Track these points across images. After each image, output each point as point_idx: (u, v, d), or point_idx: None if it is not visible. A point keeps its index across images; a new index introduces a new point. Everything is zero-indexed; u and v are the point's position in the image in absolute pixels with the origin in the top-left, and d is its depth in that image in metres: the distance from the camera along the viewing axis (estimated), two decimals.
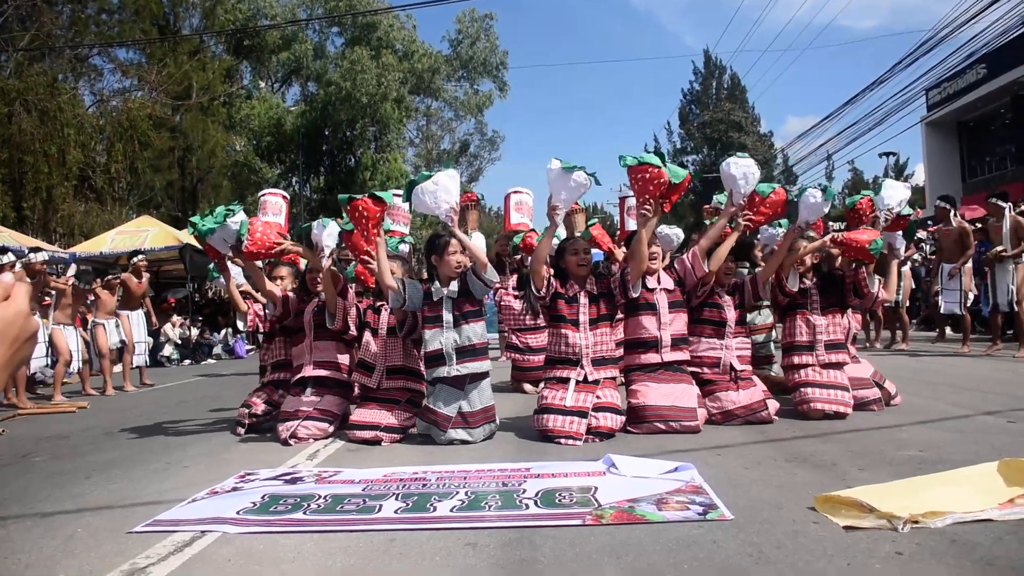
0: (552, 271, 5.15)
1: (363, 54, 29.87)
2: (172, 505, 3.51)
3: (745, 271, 6.13)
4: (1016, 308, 9.30)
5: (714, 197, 7.14)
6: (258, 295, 6.05)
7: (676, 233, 6.59)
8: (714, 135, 40.54)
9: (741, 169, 5.32)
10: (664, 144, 44.62)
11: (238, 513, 3.26)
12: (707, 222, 6.68)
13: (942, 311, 10.68)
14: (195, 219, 5.47)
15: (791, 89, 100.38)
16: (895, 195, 5.60)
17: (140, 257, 11.02)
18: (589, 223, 7.31)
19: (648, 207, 4.88)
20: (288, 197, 6.47)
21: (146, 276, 11.00)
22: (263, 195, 6.36)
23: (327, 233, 5.34)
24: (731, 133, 39.73)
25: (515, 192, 7.95)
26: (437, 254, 5.09)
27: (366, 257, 5.36)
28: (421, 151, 39.10)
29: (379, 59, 30.19)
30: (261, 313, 5.93)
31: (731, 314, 5.40)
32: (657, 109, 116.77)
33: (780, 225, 6.12)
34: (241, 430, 5.63)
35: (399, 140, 34.53)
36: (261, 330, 6.10)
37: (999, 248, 9.44)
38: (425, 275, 5.87)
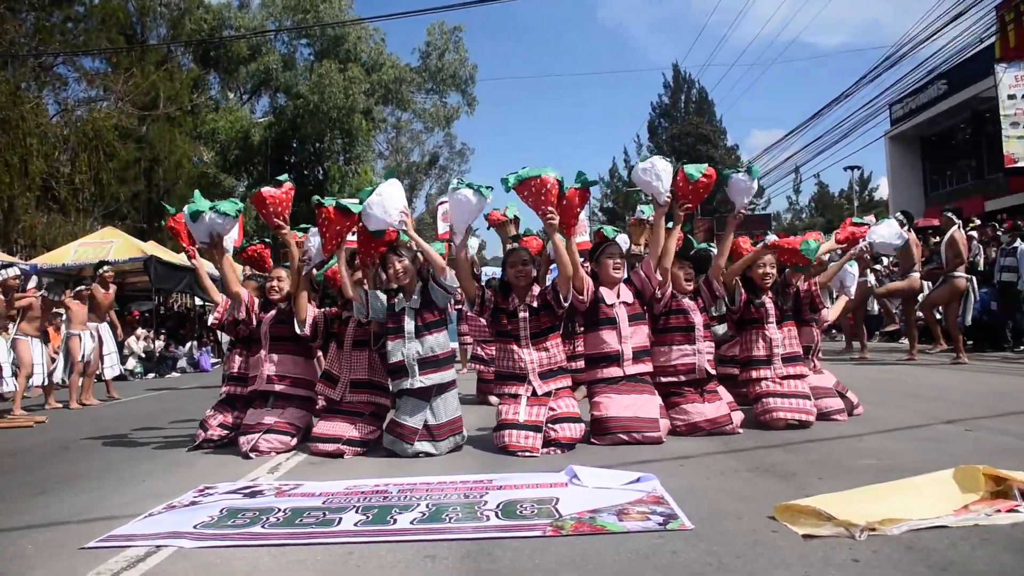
0: (483, 287, 5.18)
1: (331, 67, 29.78)
2: (128, 520, 3.45)
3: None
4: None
5: (637, 209, 7.12)
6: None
7: (623, 239, 6.57)
8: (682, 148, 40.86)
9: (651, 167, 5.28)
10: (633, 157, 44.90)
11: (195, 527, 3.21)
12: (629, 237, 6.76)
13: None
14: (197, 198, 5.44)
15: (757, 103, 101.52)
16: (885, 234, 5.73)
17: (107, 268, 10.85)
18: (522, 234, 7.17)
19: (551, 216, 4.84)
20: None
21: (112, 287, 10.85)
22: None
23: (315, 245, 5.31)
24: (699, 146, 40.06)
25: (443, 203, 7.79)
26: (384, 268, 5.08)
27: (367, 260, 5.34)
28: (391, 163, 39.07)
29: (346, 72, 30.10)
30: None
31: (698, 318, 5.40)
32: (627, 122, 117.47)
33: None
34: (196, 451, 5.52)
35: (368, 152, 34.43)
36: (227, 328, 6.00)
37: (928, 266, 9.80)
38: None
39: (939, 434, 4.86)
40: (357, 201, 5.17)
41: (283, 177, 5.50)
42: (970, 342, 10.61)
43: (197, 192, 5.53)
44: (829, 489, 3.33)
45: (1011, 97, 17.01)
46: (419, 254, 5.05)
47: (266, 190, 5.29)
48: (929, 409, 5.88)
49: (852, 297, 6.49)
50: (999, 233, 12.85)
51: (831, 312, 6.04)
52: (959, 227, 10.15)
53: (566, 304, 5.06)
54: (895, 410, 5.91)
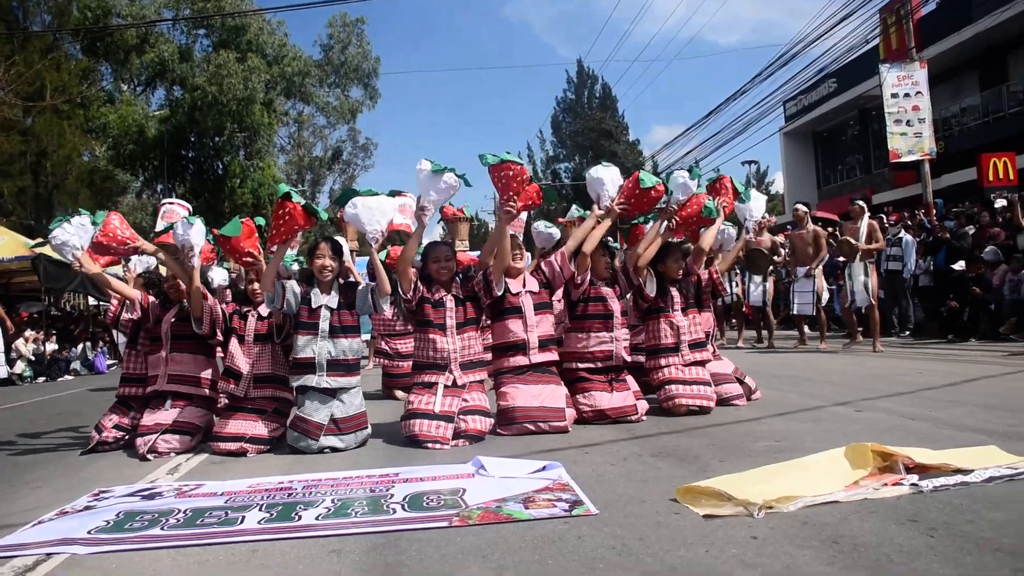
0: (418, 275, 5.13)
1: (229, 57, 28.96)
2: (15, 529, 3.29)
3: None
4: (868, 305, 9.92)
5: (571, 210, 7.19)
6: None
7: (553, 232, 6.62)
8: (585, 143, 41.37)
9: (608, 174, 5.46)
10: (537, 151, 45.25)
11: (89, 533, 3.09)
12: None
13: (795, 312, 11.24)
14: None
15: (658, 99, 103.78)
16: (759, 205, 5.90)
17: None
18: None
19: (511, 204, 4.90)
20: (191, 208, 6.16)
21: None
22: (166, 203, 6.20)
23: (195, 231, 5.07)
24: (602, 141, 40.59)
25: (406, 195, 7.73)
26: (309, 256, 4.99)
27: (248, 259, 5.22)
28: (293, 158, 38.28)
29: (245, 62, 29.34)
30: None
31: (616, 305, 5.47)
32: (532, 118, 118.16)
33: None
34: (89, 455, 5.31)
35: (269, 147, 33.66)
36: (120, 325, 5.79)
37: (855, 242, 9.98)
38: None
39: (831, 415, 5.08)
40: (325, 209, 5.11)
41: (99, 215, 5.26)
42: (860, 328, 11.07)
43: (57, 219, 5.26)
44: (729, 471, 3.44)
45: (894, 96, 17.79)
46: (345, 261, 5.00)
47: (97, 239, 5.12)
48: (822, 392, 6.14)
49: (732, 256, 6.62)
50: (887, 225, 13.45)
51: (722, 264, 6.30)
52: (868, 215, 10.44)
53: (497, 293, 5.10)
54: (791, 394, 6.15)
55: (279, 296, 4.84)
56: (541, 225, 6.50)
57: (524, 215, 6.33)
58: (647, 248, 5.55)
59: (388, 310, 5.10)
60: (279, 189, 5.01)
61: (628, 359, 5.46)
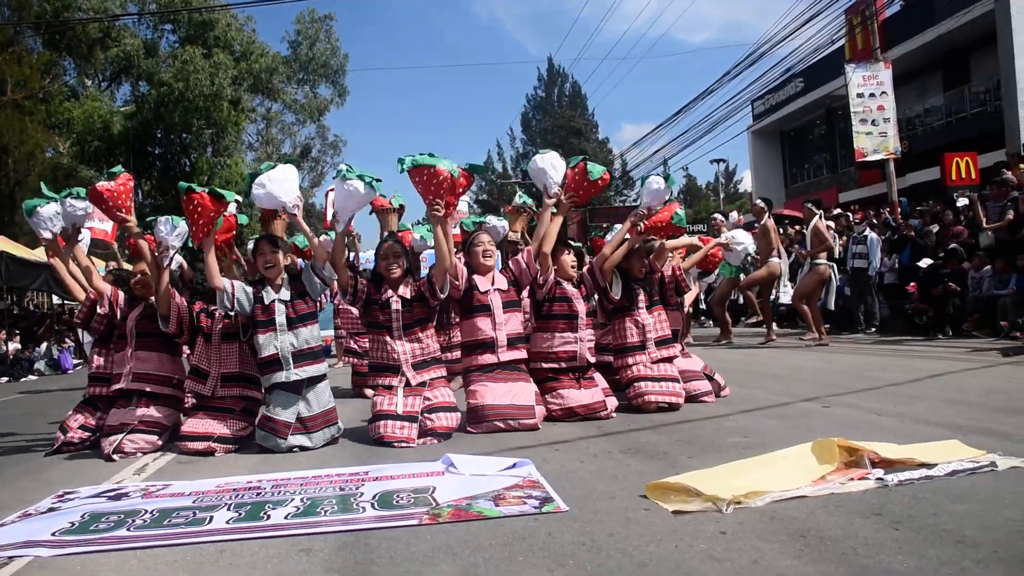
0: (356, 276, 5.11)
1: (195, 53, 28.62)
2: None
3: None
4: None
5: (515, 197, 7.17)
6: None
7: (503, 225, 6.59)
8: (555, 141, 41.46)
9: (548, 160, 5.45)
10: (507, 149, 45.28)
11: (53, 535, 3.05)
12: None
13: (782, 303, 11.47)
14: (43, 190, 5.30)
15: (627, 97, 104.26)
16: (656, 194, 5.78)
17: None
18: (401, 227, 7.12)
19: (437, 206, 4.90)
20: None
21: None
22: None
23: (176, 234, 5.03)
24: (571, 139, 40.68)
25: (332, 189, 7.66)
26: (253, 258, 4.98)
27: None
28: (261, 155, 37.84)
29: (212, 57, 29.01)
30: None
31: (581, 306, 5.49)
32: (500, 116, 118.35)
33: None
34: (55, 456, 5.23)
35: (237, 144, 33.31)
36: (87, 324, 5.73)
37: (804, 252, 10.30)
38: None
39: (798, 411, 5.14)
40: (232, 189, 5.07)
41: (117, 169, 5.23)
42: (827, 325, 11.20)
43: (42, 184, 5.27)
44: (698, 466, 3.48)
45: (860, 95, 18.00)
46: (288, 253, 4.97)
47: (101, 184, 5.03)
48: (789, 388, 6.20)
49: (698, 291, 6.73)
50: (853, 223, 13.62)
51: (688, 297, 6.32)
52: (820, 217, 10.76)
53: (442, 296, 5.06)
54: (758, 390, 6.19)
55: (228, 295, 4.82)
56: (492, 219, 6.50)
57: (463, 205, 6.28)
58: (614, 251, 5.58)
59: (334, 276, 5.03)
60: (180, 187, 4.92)
61: (592, 360, 5.47)
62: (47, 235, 5.33)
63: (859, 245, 12.08)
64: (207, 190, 4.88)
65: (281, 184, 4.88)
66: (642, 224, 5.58)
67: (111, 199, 5.01)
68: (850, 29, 21.19)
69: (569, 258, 5.56)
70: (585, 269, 5.66)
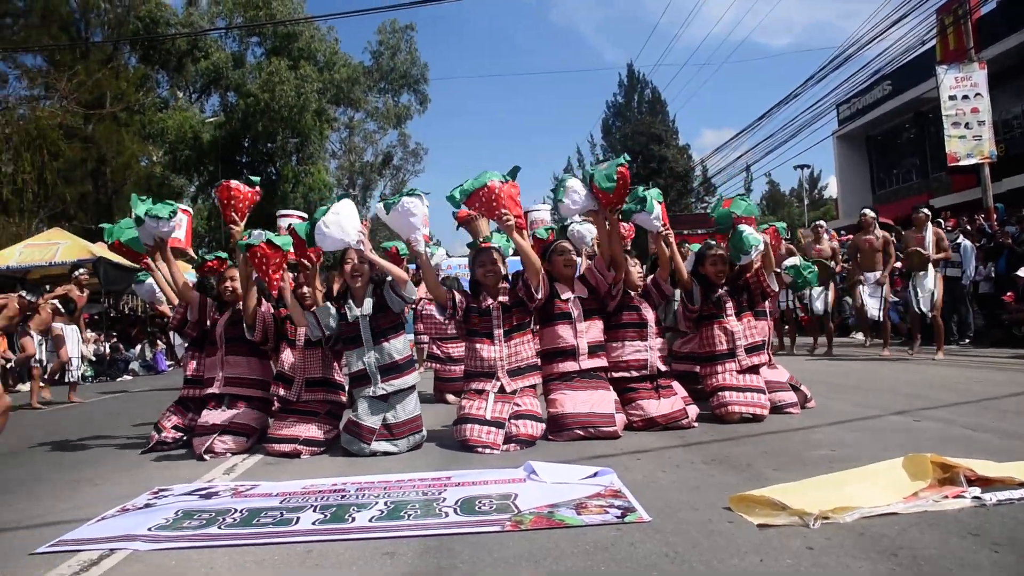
0: (452, 291, 5.14)
1: (281, 65, 29.46)
2: (80, 524, 3.37)
3: None
4: (933, 313, 9.75)
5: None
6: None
7: (588, 229, 6.42)
8: (635, 147, 41.17)
9: (570, 192, 5.21)
10: (587, 155, 45.12)
11: (149, 530, 3.16)
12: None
13: (872, 316, 11.01)
14: (135, 202, 5.46)
15: (708, 103, 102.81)
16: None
17: (81, 271, 11.09)
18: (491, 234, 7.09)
19: (506, 217, 4.89)
20: (191, 212, 6.41)
21: (87, 291, 10.86)
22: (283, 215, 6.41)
23: (171, 225, 5.34)
24: (651, 145, 40.32)
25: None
26: (338, 268, 5.07)
27: (305, 264, 5.39)
28: (344, 163, 38.73)
29: (297, 70, 29.79)
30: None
31: (650, 314, 5.45)
32: (579, 123, 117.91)
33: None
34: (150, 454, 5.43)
35: (321, 152, 34.15)
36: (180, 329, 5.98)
37: (925, 252, 9.80)
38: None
39: (889, 425, 4.98)
40: (286, 232, 5.29)
41: (255, 179, 5.55)
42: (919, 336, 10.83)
43: (135, 196, 5.47)
44: (783, 479, 3.39)
45: (952, 98, 17.38)
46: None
47: (235, 183, 5.33)
48: (879, 401, 6.01)
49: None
50: (946, 230, 13.14)
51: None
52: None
53: (539, 296, 5.06)
54: (847, 403, 6.02)
55: (314, 327, 4.96)
56: (575, 226, 6.34)
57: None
58: (664, 265, 5.51)
59: (419, 292, 5.10)
60: (240, 246, 5.04)
61: (663, 368, 5.41)
62: (150, 242, 5.53)
63: (952, 253, 11.64)
64: (264, 238, 4.96)
65: (341, 225, 4.81)
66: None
67: (236, 199, 5.23)
68: (942, 29, 20.48)
69: (636, 268, 5.52)
70: (649, 280, 5.61)
